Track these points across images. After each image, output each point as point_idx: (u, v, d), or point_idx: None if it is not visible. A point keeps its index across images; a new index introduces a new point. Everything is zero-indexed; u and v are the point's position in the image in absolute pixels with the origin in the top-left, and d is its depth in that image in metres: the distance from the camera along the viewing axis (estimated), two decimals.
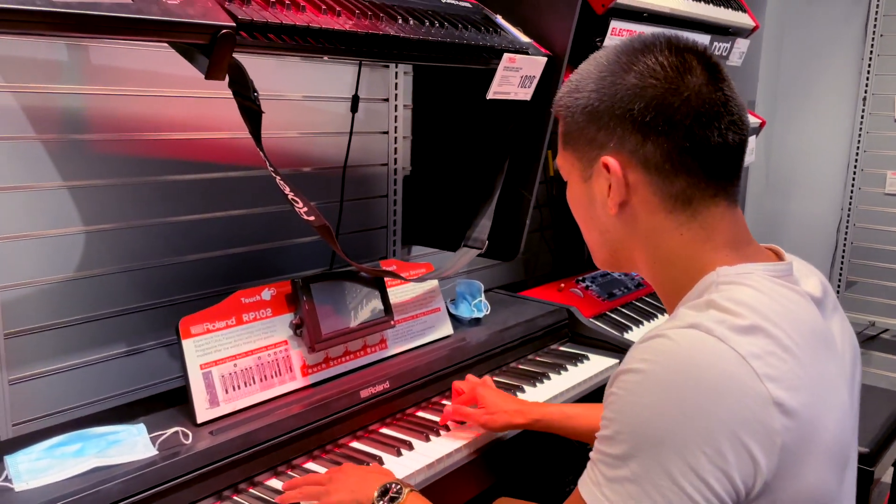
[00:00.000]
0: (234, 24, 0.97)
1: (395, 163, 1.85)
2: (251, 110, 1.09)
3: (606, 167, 0.82)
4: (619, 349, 1.74)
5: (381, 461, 1.19)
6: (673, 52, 0.81)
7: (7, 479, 0.93)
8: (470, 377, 1.41)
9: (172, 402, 1.20)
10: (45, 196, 1.24)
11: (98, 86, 1.28)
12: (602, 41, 1.84)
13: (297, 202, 1.19)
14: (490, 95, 1.45)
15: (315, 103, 1.65)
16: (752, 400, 0.69)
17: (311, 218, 1.20)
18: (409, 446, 1.24)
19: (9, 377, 1.22)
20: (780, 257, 0.87)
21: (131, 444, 1.03)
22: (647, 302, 2.10)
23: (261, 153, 1.12)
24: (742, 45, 2.30)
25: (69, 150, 1.26)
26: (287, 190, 1.17)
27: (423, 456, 1.22)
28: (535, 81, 1.55)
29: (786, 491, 0.71)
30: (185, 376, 1.14)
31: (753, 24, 2.29)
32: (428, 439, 1.27)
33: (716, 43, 2.21)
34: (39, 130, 1.22)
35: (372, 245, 1.85)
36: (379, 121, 1.81)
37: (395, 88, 1.82)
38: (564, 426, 1.26)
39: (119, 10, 0.87)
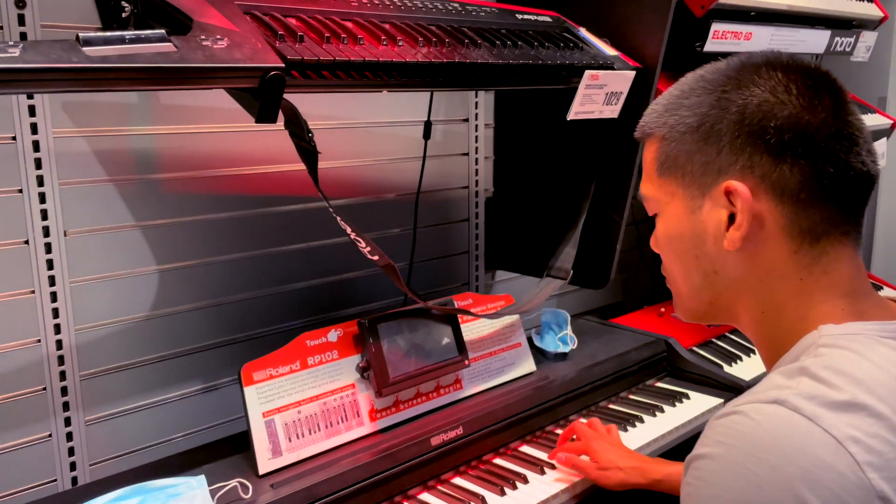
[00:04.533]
0: (284, 66, 0.92)
1: (477, 185, 1.77)
2: (307, 150, 1.04)
3: (729, 193, 0.71)
4: (723, 386, 1.58)
5: None
6: (800, 71, 0.71)
7: None
8: (595, 421, 1.31)
9: (239, 447, 1.18)
10: (119, 237, 1.25)
11: (168, 125, 1.28)
12: (703, 46, 1.68)
13: (359, 241, 1.14)
14: (571, 116, 1.34)
15: (391, 129, 1.59)
16: (851, 495, 0.58)
17: (375, 258, 1.14)
18: (482, 501, 1.16)
19: (85, 418, 1.23)
20: None
21: (190, 499, 1.01)
22: None
23: (319, 193, 1.07)
24: (869, 38, 2.06)
25: (141, 191, 1.26)
26: (349, 230, 1.12)
27: None
28: (623, 97, 1.42)
29: None
30: (247, 424, 1.11)
31: (882, 14, 2.04)
32: (503, 493, 1.18)
33: (837, 38, 1.99)
34: (111, 173, 1.22)
35: (454, 271, 1.78)
36: (459, 142, 1.73)
37: (476, 108, 1.73)
38: None
39: (161, 60, 0.83)
